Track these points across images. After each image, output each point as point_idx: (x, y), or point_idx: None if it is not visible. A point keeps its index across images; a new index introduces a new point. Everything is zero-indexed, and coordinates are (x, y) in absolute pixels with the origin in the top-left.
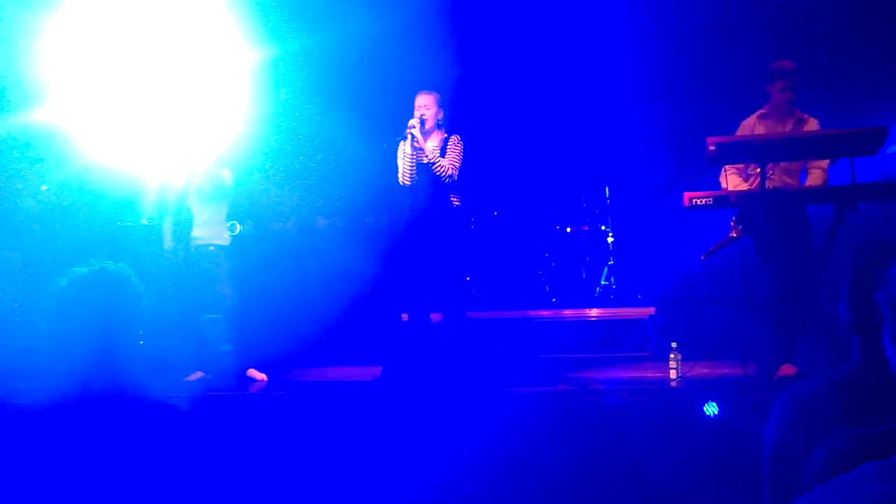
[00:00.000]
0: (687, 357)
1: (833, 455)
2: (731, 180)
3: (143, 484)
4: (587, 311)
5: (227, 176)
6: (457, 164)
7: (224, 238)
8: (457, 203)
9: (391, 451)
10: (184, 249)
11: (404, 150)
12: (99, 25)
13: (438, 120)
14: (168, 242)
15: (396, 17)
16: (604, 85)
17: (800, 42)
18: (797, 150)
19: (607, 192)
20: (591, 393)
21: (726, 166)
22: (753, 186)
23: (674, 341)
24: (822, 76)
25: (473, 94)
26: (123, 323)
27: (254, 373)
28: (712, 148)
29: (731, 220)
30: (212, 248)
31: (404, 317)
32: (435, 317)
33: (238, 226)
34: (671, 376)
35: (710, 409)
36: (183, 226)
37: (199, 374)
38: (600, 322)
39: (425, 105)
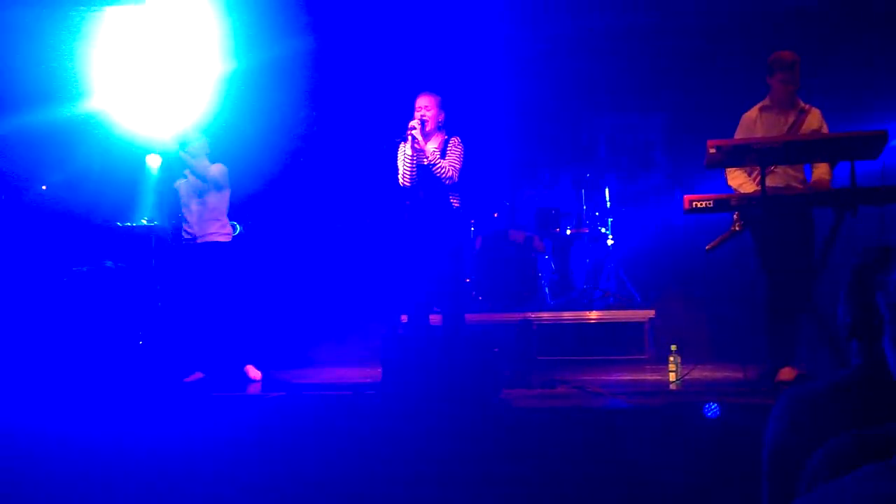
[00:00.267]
0: (686, 360)
1: (833, 457)
2: (737, 178)
3: (141, 484)
4: (587, 313)
5: (219, 171)
6: (457, 166)
7: (223, 235)
8: (457, 204)
9: (391, 453)
10: (183, 248)
11: (405, 151)
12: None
13: (439, 122)
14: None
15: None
16: (605, 86)
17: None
18: (796, 152)
19: (607, 195)
20: (591, 396)
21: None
22: (758, 182)
23: (673, 344)
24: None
25: (473, 95)
26: (123, 324)
27: (251, 369)
28: (712, 151)
29: (735, 213)
30: (211, 245)
31: (404, 318)
32: (434, 318)
33: (238, 226)
34: (670, 379)
35: (711, 410)
36: (180, 224)
37: (198, 375)
38: (600, 325)
39: (426, 106)
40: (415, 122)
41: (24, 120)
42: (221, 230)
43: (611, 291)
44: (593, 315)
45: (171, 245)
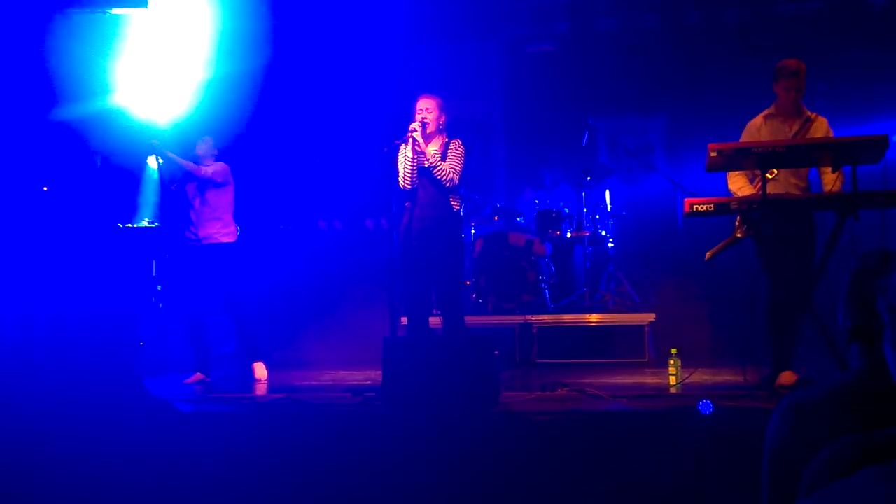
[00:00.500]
0: (686, 363)
1: (833, 461)
2: (737, 182)
3: (139, 485)
4: (587, 316)
5: (212, 169)
6: (458, 169)
7: (226, 235)
8: (457, 207)
9: (391, 455)
10: (188, 248)
11: (405, 153)
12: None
13: (440, 124)
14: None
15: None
16: (606, 89)
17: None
18: (798, 157)
19: (608, 197)
20: (591, 399)
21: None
22: (759, 187)
23: (673, 347)
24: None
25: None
26: (123, 325)
27: (257, 368)
28: (713, 154)
29: (735, 220)
30: (214, 247)
31: (403, 320)
32: (434, 321)
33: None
34: (671, 382)
35: (705, 407)
36: (184, 225)
37: (198, 377)
38: (600, 328)
39: (427, 109)
40: (416, 125)
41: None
42: (223, 230)
43: (611, 294)
44: (593, 318)
45: (173, 246)
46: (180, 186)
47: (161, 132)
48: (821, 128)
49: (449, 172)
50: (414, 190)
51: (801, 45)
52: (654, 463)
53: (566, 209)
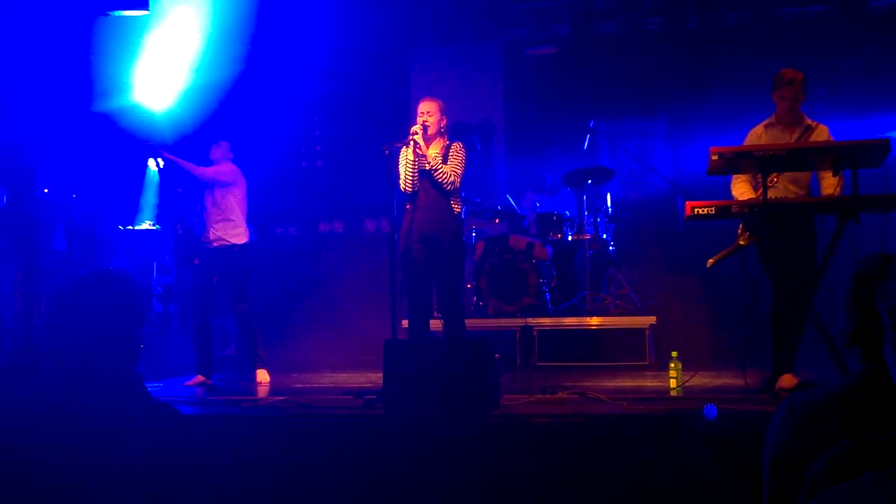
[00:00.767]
0: (687, 366)
1: (834, 464)
2: (740, 187)
3: (139, 487)
4: (587, 319)
5: (226, 170)
6: (459, 171)
7: (234, 236)
8: (458, 209)
9: (391, 458)
10: (198, 250)
11: (406, 156)
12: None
13: (441, 127)
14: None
15: None
16: (608, 92)
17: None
18: (799, 160)
19: (609, 201)
20: (591, 402)
21: (736, 174)
22: (761, 193)
23: (674, 350)
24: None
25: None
26: (124, 326)
27: (260, 373)
28: (715, 158)
29: (738, 227)
30: (222, 250)
31: (404, 323)
32: (435, 323)
33: None
34: (671, 385)
35: (710, 412)
36: (194, 227)
37: (199, 379)
38: (601, 331)
39: (428, 112)
40: (417, 128)
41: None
42: (232, 231)
43: (612, 297)
44: (594, 321)
45: (184, 247)
46: (189, 189)
47: (161, 134)
48: (821, 136)
49: (450, 175)
50: (415, 193)
51: (802, 49)
52: (655, 466)
53: (567, 212)
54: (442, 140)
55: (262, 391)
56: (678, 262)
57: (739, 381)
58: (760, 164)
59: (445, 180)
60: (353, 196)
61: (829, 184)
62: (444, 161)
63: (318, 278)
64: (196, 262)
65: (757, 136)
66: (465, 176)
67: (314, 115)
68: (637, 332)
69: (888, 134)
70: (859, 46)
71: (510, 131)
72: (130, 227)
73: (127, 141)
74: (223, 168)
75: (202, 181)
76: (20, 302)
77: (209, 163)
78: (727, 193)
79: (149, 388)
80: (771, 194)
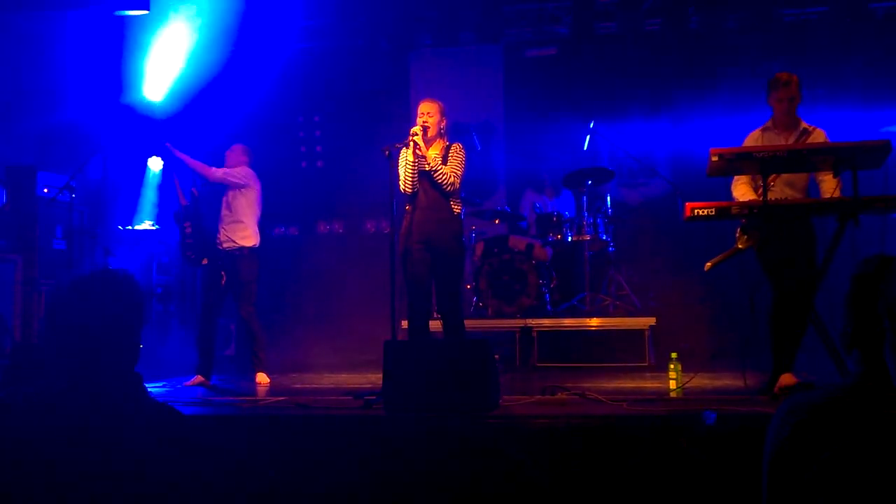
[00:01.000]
0: (687, 367)
1: (833, 465)
2: (741, 189)
3: (138, 487)
4: (587, 320)
5: (237, 172)
6: (458, 172)
7: (245, 239)
8: (458, 210)
9: (391, 458)
10: (208, 251)
11: (406, 157)
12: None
13: (441, 128)
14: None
15: None
16: (607, 93)
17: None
18: (799, 162)
19: (609, 202)
20: (591, 403)
21: (737, 175)
22: (759, 190)
23: (674, 351)
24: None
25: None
26: (123, 326)
27: (260, 375)
28: (715, 159)
29: (737, 230)
30: (231, 252)
31: (404, 324)
32: (435, 324)
33: None
34: (671, 386)
35: (709, 418)
36: (204, 230)
37: (199, 379)
38: (600, 332)
39: (428, 113)
40: (417, 129)
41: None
42: (241, 233)
43: (611, 298)
44: (594, 322)
45: (182, 246)
46: (207, 190)
47: (170, 132)
48: (818, 139)
49: (450, 176)
50: (415, 193)
51: (802, 50)
52: (654, 467)
53: (567, 213)
54: (442, 141)
55: (262, 392)
56: (678, 264)
57: (739, 383)
58: (761, 165)
59: (445, 181)
60: (352, 197)
61: (829, 187)
62: (444, 162)
63: (318, 279)
64: (205, 262)
65: (754, 140)
66: (465, 177)
67: (314, 115)
68: (637, 333)
69: (887, 128)
70: (860, 48)
71: (510, 132)
72: (130, 227)
73: (138, 136)
74: (235, 171)
75: (211, 181)
76: (20, 302)
77: (222, 164)
78: (727, 195)
79: (148, 389)
80: (768, 196)
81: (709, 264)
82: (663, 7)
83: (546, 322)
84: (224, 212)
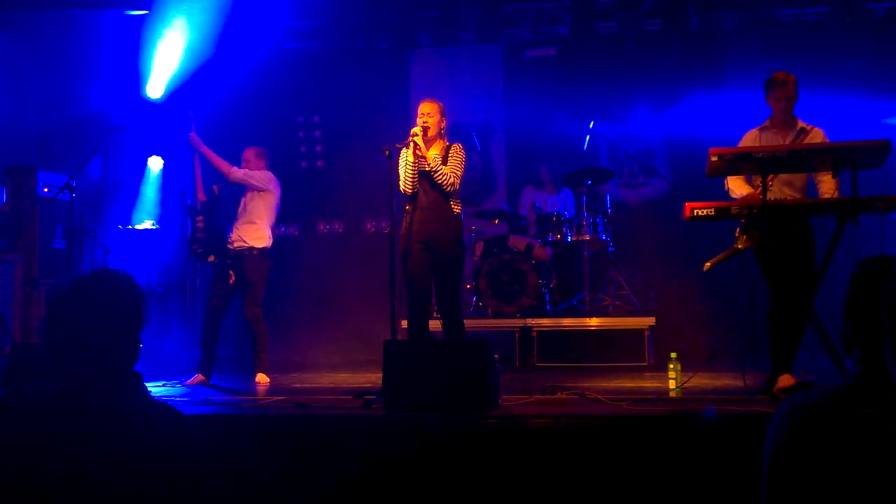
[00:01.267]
0: (686, 367)
1: (832, 465)
2: (735, 182)
3: (137, 486)
4: (587, 320)
5: (258, 175)
6: (458, 173)
7: (256, 240)
8: (458, 210)
9: (390, 458)
10: (217, 249)
11: (406, 157)
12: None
13: (441, 128)
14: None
15: None
16: (607, 93)
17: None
18: (799, 162)
19: (609, 201)
20: (590, 402)
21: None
22: (757, 190)
23: (673, 351)
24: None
25: (474, 100)
26: (123, 326)
27: (260, 375)
28: (714, 159)
29: (736, 230)
30: (244, 250)
31: (404, 323)
32: (434, 324)
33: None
34: (670, 386)
35: (709, 412)
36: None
37: (199, 378)
38: (600, 332)
39: (429, 113)
40: (417, 129)
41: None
42: (254, 234)
43: (611, 298)
44: (593, 322)
45: (192, 240)
46: (225, 190)
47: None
48: (816, 138)
49: (450, 177)
50: (414, 194)
51: (801, 51)
52: (654, 466)
53: (567, 213)
54: (442, 141)
55: (262, 391)
56: (678, 264)
57: (738, 382)
58: (760, 165)
59: (445, 182)
60: (352, 197)
61: (827, 188)
62: (444, 162)
63: (318, 278)
64: (211, 258)
65: (752, 139)
66: (465, 177)
67: (314, 115)
68: (636, 333)
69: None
70: (858, 48)
71: (510, 132)
72: (130, 227)
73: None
74: (257, 173)
75: (230, 180)
76: (20, 301)
77: (236, 164)
78: (727, 195)
79: (148, 388)
80: (767, 197)
81: (708, 264)
82: (663, 7)
83: (546, 322)
84: (240, 212)
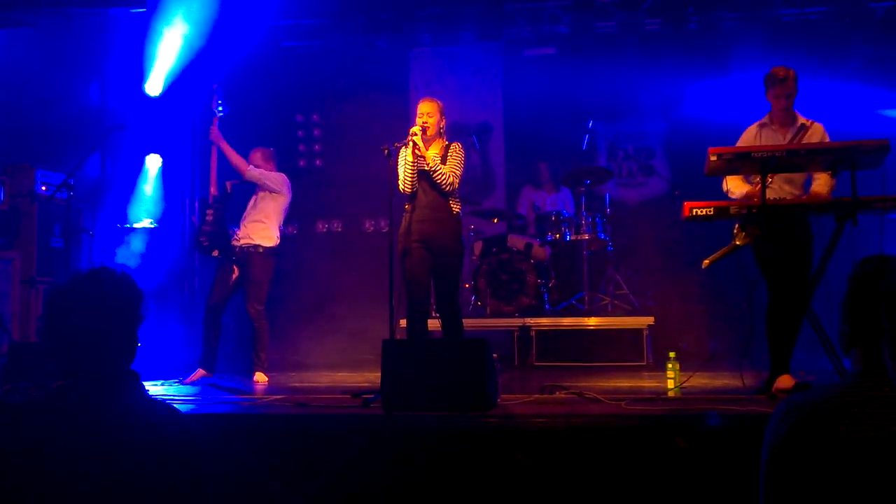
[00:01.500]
0: (685, 367)
1: (830, 465)
2: (733, 181)
3: (136, 486)
4: (585, 319)
5: (274, 177)
6: (458, 172)
7: (263, 239)
8: (457, 209)
9: (389, 457)
10: (221, 245)
11: (405, 156)
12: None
13: (440, 128)
14: None
15: None
16: (606, 93)
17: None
18: (798, 161)
19: (607, 201)
20: (589, 402)
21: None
22: (756, 188)
23: (672, 351)
24: None
25: (473, 99)
26: (121, 324)
27: (258, 374)
28: (713, 158)
29: (735, 226)
30: (250, 247)
31: (402, 323)
32: (433, 323)
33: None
34: (669, 386)
35: (712, 418)
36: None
37: (201, 373)
38: (598, 331)
39: (428, 113)
40: (416, 129)
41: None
42: (262, 233)
43: (610, 298)
44: (592, 321)
45: (200, 233)
46: (238, 188)
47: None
48: (815, 134)
49: (449, 176)
50: (414, 193)
51: (801, 50)
52: (652, 466)
53: (566, 212)
54: (441, 140)
55: (260, 390)
56: (676, 263)
57: (737, 382)
58: (760, 165)
59: (444, 181)
60: (351, 196)
61: (820, 186)
62: (443, 161)
63: (317, 277)
64: (216, 253)
65: (751, 136)
66: (464, 176)
67: (313, 114)
68: (635, 333)
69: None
70: (859, 47)
71: (509, 131)
72: (129, 225)
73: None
74: (272, 175)
75: (245, 179)
76: (18, 299)
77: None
78: (726, 195)
79: (147, 386)
80: (767, 195)
81: (706, 261)
82: (663, 6)
83: (544, 321)
84: (249, 210)
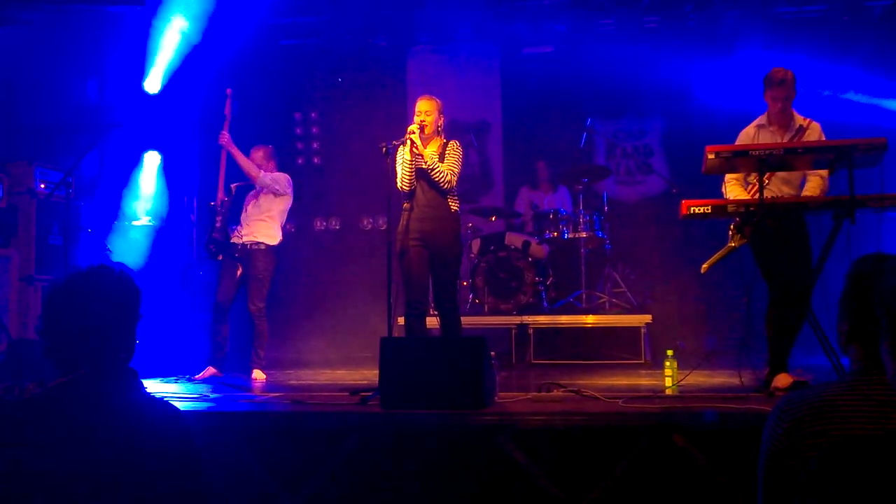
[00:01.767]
0: (682, 365)
1: (829, 463)
2: (733, 190)
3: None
4: (583, 317)
5: (282, 179)
6: (455, 170)
7: (266, 237)
8: (455, 208)
9: (387, 456)
10: (225, 248)
11: (403, 155)
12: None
13: (438, 126)
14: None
15: None
16: (604, 91)
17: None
18: (796, 160)
19: (605, 199)
20: (586, 400)
21: (727, 175)
22: (753, 196)
23: (669, 349)
24: None
25: (473, 99)
26: (120, 322)
27: (256, 372)
28: (711, 157)
29: (730, 228)
30: (253, 245)
31: (400, 320)
32: (431, 321)
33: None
34: (666, 384)
35: (710, 416)
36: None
37: (210, 371)
38: (596, 329)
39: (426, 111)
40: (414, 127)
41: None
42: (265, 231)
43: (608, 296)
44: (590, 319)
45: (210, 238)
46: (245, 190)
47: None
48: (813, 134)
49: (447, 174)
50: (412, 191)
51: (800, 48)
52: (649, 464)
53: (563, 210)
54: (439, 139)
55: (259, 387)
56: (674, 261)
57: (735, 380)
58: (757, 163)
59: (442, 179)
60: (349, 194)
61: (813, 186)
62: (442, 160)
63: (314, 275)
64: (220, 257)
65: (749, 136)
66: (462, 174)
67: (311, 112)
68: (633, 331)
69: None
70: (857, 46)
71: (507, 130)
72: (127, 223)
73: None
74: (279, 177)
75: (256, 184)
76: (16, 297)
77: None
78: (723, 194)
79: (144, 385)
80: (764, 195)
81: (705, 266)
82: (661, 4)
83: (542, 319)
84: (251, 209)
